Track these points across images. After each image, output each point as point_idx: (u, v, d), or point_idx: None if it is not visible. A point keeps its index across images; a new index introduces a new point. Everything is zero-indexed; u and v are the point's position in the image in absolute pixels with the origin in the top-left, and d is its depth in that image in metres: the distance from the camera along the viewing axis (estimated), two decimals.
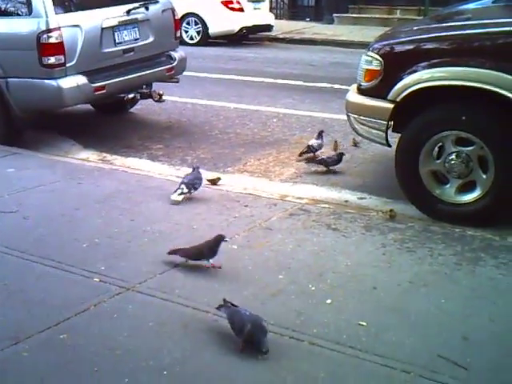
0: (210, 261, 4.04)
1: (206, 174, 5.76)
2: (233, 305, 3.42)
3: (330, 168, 6.18)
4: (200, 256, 4.07)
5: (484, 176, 4.72)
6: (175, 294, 3.76)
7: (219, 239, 4.06)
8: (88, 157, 6.77)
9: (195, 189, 5.27)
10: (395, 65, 4.98)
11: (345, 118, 5.66)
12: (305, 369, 3.08)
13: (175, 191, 5.20)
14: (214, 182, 5.68)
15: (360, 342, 3.28)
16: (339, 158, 6.18)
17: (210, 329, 3.43)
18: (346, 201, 5.43)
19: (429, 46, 4.96)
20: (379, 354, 3.18)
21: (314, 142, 6.56)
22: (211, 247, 4.05)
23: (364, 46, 5.33)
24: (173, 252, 4.15)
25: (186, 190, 5.20)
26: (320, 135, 6.56)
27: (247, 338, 3.19)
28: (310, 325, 3.43)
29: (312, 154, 6.52)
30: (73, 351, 3.23)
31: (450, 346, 3.25)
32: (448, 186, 4.91)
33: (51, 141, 7.15)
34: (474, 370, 3.07)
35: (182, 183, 5.25)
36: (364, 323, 3.44)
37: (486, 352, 3.21)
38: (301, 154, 6.57)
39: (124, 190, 5.52)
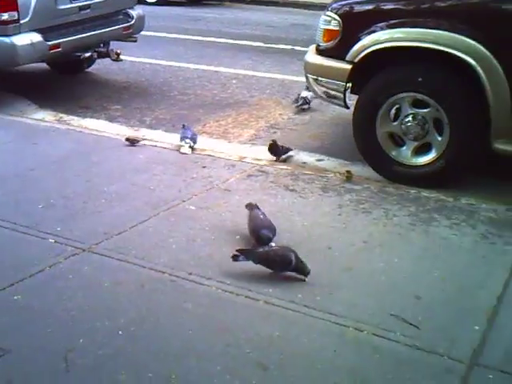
0: None
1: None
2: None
3: None
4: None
5: (439, 138, 4.77)
6: (132, 255, 3.75)
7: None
8: (44, 117, 6.63)
9: (195, 143, 5.57)
10: (354, 25, 4.96)
11: (304, 79, 5.64)
12: (260, 328, 3.11)
13: (182, 146, 5.48)
14: (133, 141, 5.61)
15: (314, 300, 3.33)
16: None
17: (166, 289, 3.43)
18: (304, 162, 5.44)
19: (387, 6, 4.93)
20: (333, 312, 3.23)
21: (307, 93, 6.72)
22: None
23: (325, 7, 5.28)
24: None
25: (192, 144, 5.51)
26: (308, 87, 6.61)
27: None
28: (266, 284, 3.45)
29: (307, 106, 6.85)
30: (27, 312, 3.20)
31: (402, 305, 3.31)
32: (404, 147, 4.96)
33: (5, 100, 6.96)
34: (425, 327, 3.13)
35: (185, 138, 5.52)
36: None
37: (436, 310, 3.28)
38: (297, 107, 6.87)
39: (80, 150, 5.45)
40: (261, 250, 3.66)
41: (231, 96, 7.55)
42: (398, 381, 2.79)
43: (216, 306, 3.28)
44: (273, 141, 5.47)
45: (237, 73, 8.51)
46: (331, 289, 3.44)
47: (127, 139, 5.59)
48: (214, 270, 3.58)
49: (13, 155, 5.32)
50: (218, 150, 5.66)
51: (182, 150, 5.45)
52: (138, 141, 5.62)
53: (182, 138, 5.56)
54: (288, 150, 5.52)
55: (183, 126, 5.79)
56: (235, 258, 3.56)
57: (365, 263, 3.72)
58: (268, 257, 3.56)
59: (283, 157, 5.45)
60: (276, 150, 5.43)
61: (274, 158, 5.42)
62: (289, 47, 9.98)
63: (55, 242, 3.89)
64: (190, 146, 5.49)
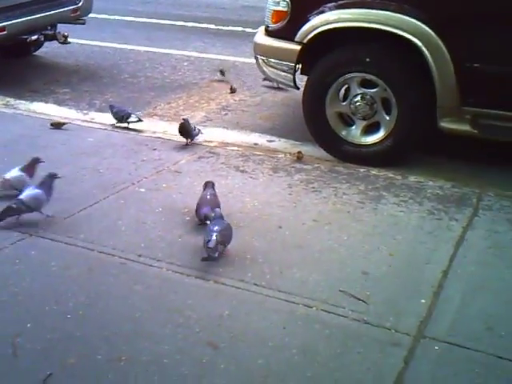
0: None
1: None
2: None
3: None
4: None
5: (387, 117, 4.83)
6: (80, 239, 3.71)
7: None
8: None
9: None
10: (302, 6, 4.96)
11: (255, 61, 5.62)
12: (210, 308, 3.12)
13: (132, 121, 5.55)
14: (58, 125, 5.54)
15: (264, 279, 3.35)
16: None
17: (116, 272, 3.41)
18: (255, 143, 5.45)
19: None
20: (283, 290, 3.26)
21: None
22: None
23: None
24: None
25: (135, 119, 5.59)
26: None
27: None
28: (216, 264, 3.45)
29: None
30: None
31: (351, 281, 3.36)
32: (353, 127, 5.00)
33: None
34: (373, 302, 3.19)
35: (127, 115, 5.57)
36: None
37: (384, 285, 3.34)
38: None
39: (28, 134, 5.35)
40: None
41: (182, 78, 7.49)
42: (347, 355, 2.83)
43: (166, 288, 3.28)
44: (184, 120, 5.17)
45: (188, 55, 8.45)
46: (281, 267, 3.47)
47: (52, 124, 5.51)
48: (165, 252, 3.58)
49: None
50: (168, 132, 5.61)
51: (132, 126, 5.51)
52: (64, 124, 5.55)
53: (127, 116, 5.53)
54: (199, 131, 5.28)
55: (111, 106, 5.72)
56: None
57: (315, 241, 3.75)
58: None
59: (196, 139, 5.23)
60: (188, 130, 5.15)
61: (185, 140, 5.16)
62: (240, 29, 9.94)
63: (1, 227, 3.82)
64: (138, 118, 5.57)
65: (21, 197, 3.87)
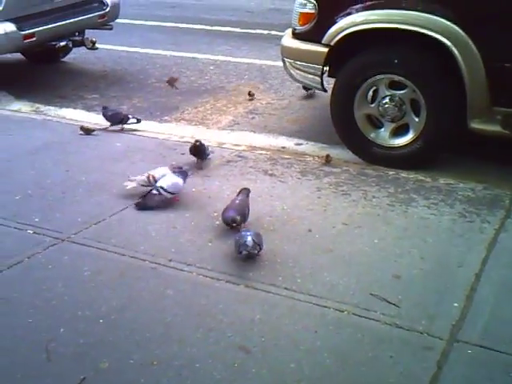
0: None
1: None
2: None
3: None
4: None
5: (416, 119, 4.79)
6: (111, 244, 3.74)
7: None
8: (20, 108, 6.57)
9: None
10: (329, 8, 4.94)
11: (282, 64, 5.61)
12: (241, 312, 3.12)
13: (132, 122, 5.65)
14: (88, 131, 5.57)
15: (295, 283, 3.34)
16: None
17: (147, 276, 3.43)
18: (283, 147, 5.44)
19: None
20: (314, 294, 3.25)
21: None
22: None
23: None
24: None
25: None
26: None
27: None
28: (247, 268, 3.46)
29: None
30: (6, 304, 3.19)
31: (382, 285, 3.33)
32: (382, 129, 4.97)
33: None
34: (405, 306, 3.16)
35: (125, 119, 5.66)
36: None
37: (416, 288, 3.31)
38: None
39: (58, 140, 5.41)
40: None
41: (209, 82, 7.51)
42: (379, 359, 2.81)
43: (197, 292, 3.29)
44: (197, 141, 4.91)
45: (214, 59, 8.47)
46: (312, 271, 3.46)
47: (81, 129, 5.55)
48: (195, 256, 3.59)
49: None
50: (196, 136, 5.62)
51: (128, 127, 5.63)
52: (93, 130, 5.58)
53: (127, 118, 5.65)
54: (211, 152, 5.06)
55: (103, 107, 5.85)
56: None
57: (345, 245, 3.74)
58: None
59: (208, 158, 4.99)
60: (201, 151, 4.91)
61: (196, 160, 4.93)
62: (266, 32, 9.94)
63: (34, 232, 3.87)
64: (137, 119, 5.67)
65: (160, 184, 4.13)
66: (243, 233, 3.57)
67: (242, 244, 3.48)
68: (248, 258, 3.50)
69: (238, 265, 3.51)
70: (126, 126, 5.68)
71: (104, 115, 5.71)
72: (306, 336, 2.95)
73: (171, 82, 6.07)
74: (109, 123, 5.67)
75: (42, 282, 3.38)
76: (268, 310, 3.13)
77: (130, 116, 5.71)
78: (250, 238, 3.47)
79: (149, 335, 2.96)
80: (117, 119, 5.66)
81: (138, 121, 5.70)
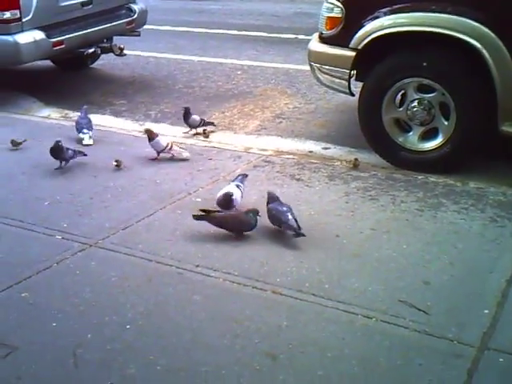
0: None
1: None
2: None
3: None
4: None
5: (446, 123, 4.73)
6: (138, 249, 3.74)
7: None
8: (49, 114, 6.64)
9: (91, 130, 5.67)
10: (356, 11, 4.91)
11: (309, 68, 5.59)
12: (268, 318, 3.10)
13: (83, 137, 5.53)
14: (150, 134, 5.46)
15: (322, 289, 3.31)
16: None
17: (174, 282, 3.42)
18: (311, 151, 5.42)
19: None
20: (341, 300, 3.22)
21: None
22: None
23: None
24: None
25: (91, 134, 5.58)
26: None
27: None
28: (273, 274, 3.44)
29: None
30: (34, 309, 3.20)
31: (411, 291, 3.29)
32: (411, 133, 4.92)
33: (11, 98, 6.98)
34: (434, 313, 3.11)
35: (83, 129, 5.56)
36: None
37: (445, 295, 3.26)
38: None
39: (85, 147, 5.43)
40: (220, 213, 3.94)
41: (236, 87, 7.52)
42: (408, 367, 2.77)
43: (224, 298, 3.27)
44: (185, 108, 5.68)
45: (241, 64, 8.48)
46: (339, 276, 3.43)
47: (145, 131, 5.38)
48: (221, 262, 3.58)
49: (19, 153, 5.32)
50: (223, 141, 5.65)
51: (85, 143, 5.47)
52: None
53: (79, 130, 5.59)
54: (208, 123, 5.84)
55: (80, 108, 5.86)
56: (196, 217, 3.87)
57: (373, 250, 3.70)
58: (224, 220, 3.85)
59: (199, 129, 5.74)
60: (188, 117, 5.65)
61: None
62: (293, 36, 9.92)
63: (62, 238, 3.89)
64: (90, 137, 5.53)
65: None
66: (278, 209, 3.81)
67: (286, 226, 3.78)
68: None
69: (265, 270, 3.49)
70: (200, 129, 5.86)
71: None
72: (334, 343, 2.92)
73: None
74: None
75: (70, 287, 3.39)
76: (295, 317, 3.10)
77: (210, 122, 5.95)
78: (290, 216, 3.78)
79: (175, 341, 2.95)
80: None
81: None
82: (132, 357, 2.86)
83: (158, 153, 5.07)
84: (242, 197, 4.15)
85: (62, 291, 3.36)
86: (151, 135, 5.09)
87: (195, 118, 5.80)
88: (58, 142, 4.86)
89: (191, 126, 5.81)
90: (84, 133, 5.55)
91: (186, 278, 3.46)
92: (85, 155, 5.01)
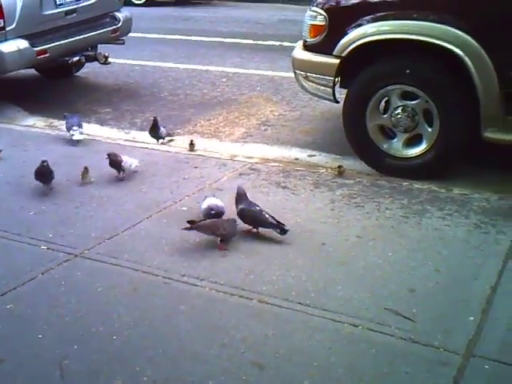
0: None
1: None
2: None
3: None
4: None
5: (429, 129, 4.77)
6: (124, 259, 3.73)
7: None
8: (34, 123, 6.63)
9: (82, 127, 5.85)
10: (340, 19, 4.95)
11: (294, 75, 5.61)
12: (255, 327, 3.10)
13: (73, 133, 5.70)
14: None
15: (309, 297, 3.32)
16: None
17: (160, 292, 3.42)
18: (296, 159, 5.43)
19: None
20: (327, 308, 3.22)
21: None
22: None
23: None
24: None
25: (82, 130, 5.78)
26: None
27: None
28: (259, 283, 3.45)
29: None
30: (20, 321, 3.18)
31: (397, 299, 3.30)
32: (395, 140, 4.95)
33: None
34: (420, 320, 3.12)
35: (72, 126, 5.71)
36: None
37: (431, 302, 3.27)
38: None
39: (71, 155, 5.43)
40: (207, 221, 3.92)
41: (221, 95, 7.53)
42: (395, 375, 2.78)
43: (210, 307, 3.27)
44: (154, 119, 5.67)
45: (226, 71, 8.50)
46: (325, 284, 3.43)
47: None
48: (208, 271, 3.58)
49: (3, 163, 5.29)
50: (209, 149, 5.65)
51: (75, 138, 5.63)
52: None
53: (69, 128, 5.70)
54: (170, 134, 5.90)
55: (65, 116, 5.95)
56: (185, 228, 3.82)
57: (359, 258, 3.71)
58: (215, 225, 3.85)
59: (164, 140, 5.78)
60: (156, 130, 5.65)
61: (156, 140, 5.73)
62: (277, 43, 9.97)
63: (47, 248, 3.88)
64: (81, 132, 5.68)
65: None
66: (252, 207, 3.92)
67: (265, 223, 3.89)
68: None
69: (251, 279, 3.49)
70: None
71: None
72: (320, 351, 2.93)
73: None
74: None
75: (56, 298, 3.38)
76: (281, 326, 3.10)
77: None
78: (267, 215, 3.91)
79: (162, 351, 2.94)
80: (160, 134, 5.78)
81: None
82: (119, 368, 2.85)
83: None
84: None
85: (47, 302, 3.34)
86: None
87: (163, 130, 5.78)
88: (43, 162, 4.64)
89: (159, 138, 5.77)
90: (74, 130, 5.66)
91: (173, 287, 3.45)
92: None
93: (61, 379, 2.79)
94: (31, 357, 2.93)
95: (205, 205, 4.08)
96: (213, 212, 4.01)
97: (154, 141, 5.75)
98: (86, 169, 4.87)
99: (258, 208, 3.98)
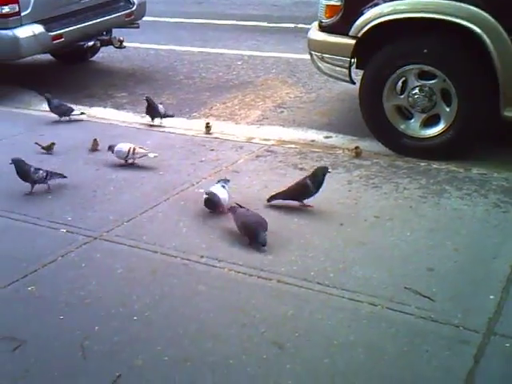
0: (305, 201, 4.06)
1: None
2: (241, 206, 3.77)
3: None
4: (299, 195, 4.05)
5: (447, 109, 4.72)
6: (143, 241, 3.75)
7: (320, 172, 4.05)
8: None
9: None
10: None
11: (309, 57, 5.58)
12: (274, 307, 3.11)
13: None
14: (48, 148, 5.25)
15: (328, 277, 3.32)
16: None
17: (179, 273, 3.43)
18: (313, 140, 5.41)
19: None
20: (346, 288, 3.22)
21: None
22: (317, 182, 4.01)
23: None
24: (272, 198, 4.09)
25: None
26: None
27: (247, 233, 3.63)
28: (278, 264, 3.45)
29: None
30: (41, 302, 3.22)
31: (416, 278, 3.29)
32: (412, 120, 4.91)
33: (12, 93, 7.00)
34: (440, 299, 3.12)
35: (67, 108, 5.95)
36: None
37: (450, 281, 3.27)
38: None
39: (88, 139, 5.42)
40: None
41: (237, 77, 7.51)
42: (415, 353, 2.78)
43: (229, 288, 3.28)
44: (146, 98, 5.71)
45: (241, 54, 8.46)
46: (344, 265, 3.43)
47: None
48: (226, 252, 3.59)
49: (20, 148, 5.32)
50: (225, 132, 5.65)
51: (75, 113, 5.91)
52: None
53: (70, 110, 5.93)
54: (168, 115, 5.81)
55: (48, 100, 6.00)
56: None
57: (377, 238, 3.70)
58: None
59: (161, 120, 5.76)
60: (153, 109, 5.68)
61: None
62: (292, 25, 9.89)
63: (66, 231, 3.91)
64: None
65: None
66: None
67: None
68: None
69: (270, 260, 3.50)
70: (72, 117, 5.95)
71: (50, 107, 5.91)
72: (340, 331, 2.93)
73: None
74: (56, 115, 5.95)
75: (76, 280, 3.40)
76: (301, 305, 3.11)
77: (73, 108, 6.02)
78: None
79: (182, 332, 2.96)
80: (61, 111, 5.88)
81: (82, 113, 6.02)
82: (139, 348, 2.87)
83: (125, 160, 4.85)
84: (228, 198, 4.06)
85: (68, 284, 3.37)
86: (110, 146, 4.89)
87: (161, 108, 5.82)
88: (14, 160, 4.41)
89: (154, 117, 5.80)
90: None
91: (191, 268, 3.47)
92: (64, 177, 4.54)
93: (82, 359, 2.82)
94: (53, 338, 2.96)
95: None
96: (205, 196, 4.02)
97: (171, 123, 5.73)
98: (95, 140, 5.12)
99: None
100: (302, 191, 4.03)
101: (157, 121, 5.81)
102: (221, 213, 4.02)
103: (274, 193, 4.13)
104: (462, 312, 3.01)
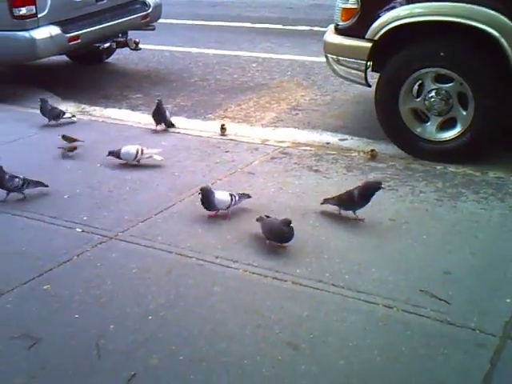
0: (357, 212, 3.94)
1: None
2: (268, 217, 3.73)
3: None
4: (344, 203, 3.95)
5: (464, 112, 4.70)
6: (158, 241, 3.76)
7: (370, 186, 3.95)
8: (66, 108, 6.63)
9: None
10: (372, 2, 4.89)
11: (325, 60, 5.57)
12: (289, 308, 3.10)
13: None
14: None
15: (343, 279, 3.31)
16: None
17: (194, 273, 3.44)
18: (328, 143, 5.40)
19: None
20: (362, 290, 3.21)
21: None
22: (362, 195, 3.90)
23: None
24: (325, 201, 4.03)
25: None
26: None
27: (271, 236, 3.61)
28: (293, 265, 3.45)
29: None
30: (56, 301, 3.23)
31: (432, 281, 3.28)
32: (429, 123, 4.89)
33: (29, 94, 7.02)
34: (456, 302, 3.10)
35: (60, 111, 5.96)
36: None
37: (466, 285, 3.25)
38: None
39: (104, 140, 5.47)
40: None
41: (252, 79, 7.51)
42: (430, 356, 2.76)
43: (244, 288, 3.28)
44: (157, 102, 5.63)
45: (256, 56, 8.47)
46: (359, 267, 3.42)
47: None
48: (241, 253, 3.59)
49: (37, 147, 5.37)
50: (240, 133, 5.65)
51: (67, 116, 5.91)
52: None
53: (62, 113, 5.94)
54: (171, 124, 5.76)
55: (42, 100, 5.99)
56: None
57: (393, 240, 3.69)
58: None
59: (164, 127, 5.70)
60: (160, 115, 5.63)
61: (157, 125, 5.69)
62: (308, 28, 9.89)
63: (82, 231, 3.92)
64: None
65: None
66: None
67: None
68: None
69: (285, 261, 3.49)
70: (62, 121, 5.92)
71: (42, 111, 5.89)
72: (355, 333, 2.92)
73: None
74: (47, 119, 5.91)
75: (91, 279, 3.41)
76: (316, 307, 3.11)
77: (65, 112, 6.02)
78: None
79: (197, 332, 2.96)
80: (54, 114, 5.87)
81: (73, 116, 6.00)
82: (154, 347, 2.87)
83: (137, 161, 4.86)
84: (231, 205, 4.00)
85: (83, 283, 3.38)
86: (111, 152, 4.88)
87: (168, 114, 5.77)
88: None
89: (159, 122, 5.71)
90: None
91: (206, 269, 3.47)
92: (45, 186, 4.42)
93: (98, 358, 2.82)
94: (68, 336, 2.97)
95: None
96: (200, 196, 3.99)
97: (186, 125, 5.74)
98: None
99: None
100: (346, 199, 3.94)
101: (160, 127, 5.72)
102: (215, 216, 4.01)
103: (325, 197, 4.08)
104: (479, 315, 3.00)
